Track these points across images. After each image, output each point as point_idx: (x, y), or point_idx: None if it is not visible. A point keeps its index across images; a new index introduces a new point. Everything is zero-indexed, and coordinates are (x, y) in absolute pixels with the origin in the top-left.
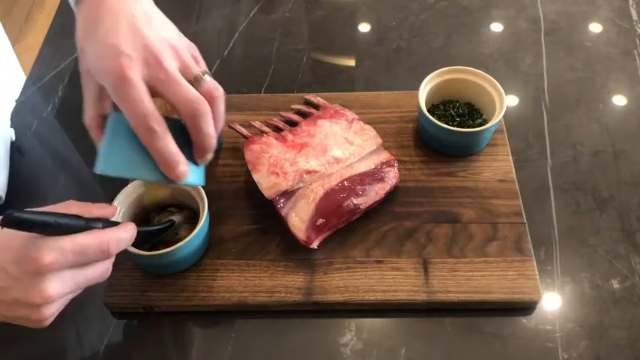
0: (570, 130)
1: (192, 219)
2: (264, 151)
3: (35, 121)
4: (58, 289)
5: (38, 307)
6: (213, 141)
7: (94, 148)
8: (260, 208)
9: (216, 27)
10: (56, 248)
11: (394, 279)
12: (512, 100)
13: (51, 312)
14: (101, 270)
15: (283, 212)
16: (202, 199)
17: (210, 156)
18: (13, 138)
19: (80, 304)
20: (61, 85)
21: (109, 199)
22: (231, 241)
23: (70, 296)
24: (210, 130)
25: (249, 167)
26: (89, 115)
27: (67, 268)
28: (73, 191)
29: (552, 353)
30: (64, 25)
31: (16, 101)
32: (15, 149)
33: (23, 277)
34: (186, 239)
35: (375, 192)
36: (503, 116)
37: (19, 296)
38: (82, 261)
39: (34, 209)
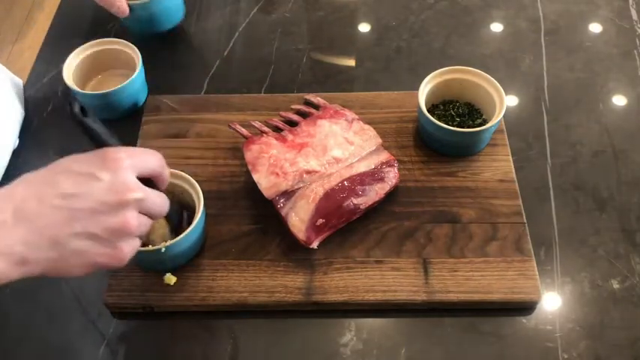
0: (570, 130)
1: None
2: (264, 151)
3: (35, 120)
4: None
5: (125, 208)
6: None
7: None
8: (260, 208)
9: (216, 27)
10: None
11: (394, 279)
12: (512, 100)
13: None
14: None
15: (283, 212)
16: (199, 197)
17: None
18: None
19: (80, 304)
20: (61, 85)
21: None
22: (231, 241)
23: (143, 229)
24: None
25: (249, 167)
26: None
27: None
28: None
29: (552, 353)
30: (64, 25)
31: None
32: (14, 149)
33: (110, 179)
34: (184, 234)
35: (375, 192)
36: (503, 116)
37: (108, 198)
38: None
39: None
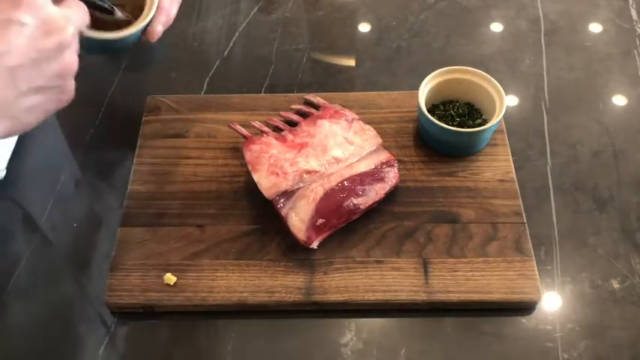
0: (570, 130)
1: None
2: (264, 151)
3: None
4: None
5: (64, 47)
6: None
7: (92, 148)
8: (260, 208)
9: (216, 27)
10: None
11: (394, 279)
12: (512, 100)
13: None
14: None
15: (283, 212)
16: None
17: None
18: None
19: (80, 304)
20: None
21: (112, 197)
22: (231, 241)
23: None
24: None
25: (249, 167)
26: None
27: None
28: (73, 190)
29: (552, 353)
30: None
31: None
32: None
33: (33, 19)
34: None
35: (375, 192)
36: (503, 116)
37: (43, 44)
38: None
39: None
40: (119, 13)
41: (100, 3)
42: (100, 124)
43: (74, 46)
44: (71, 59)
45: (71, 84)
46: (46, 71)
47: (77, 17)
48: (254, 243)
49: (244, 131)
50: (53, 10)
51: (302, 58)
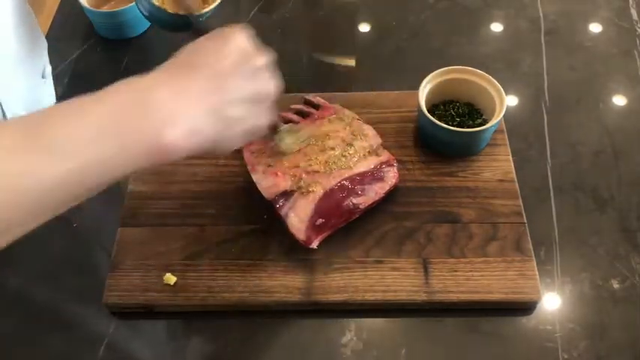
0: (570, 130)
1: None
2: (264, 151)
3: None
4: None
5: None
6: None
7: None
8: (260, 208)
9: (217, 27)
10: None
11: (394, 279)
12: (512, 100)
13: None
14: None
15: (283, 212)
16: None
17: None
18: None
19: (80, 304)
20: (60, 85)
21: (112, 197)
22: (231, 241)
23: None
24: None
25: (249, 167)
26: None
27: None
28: None
29: (552, 353)
30: (64, 25)
31: None
32: None
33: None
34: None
35: (375, 192)
36: (503, 116)
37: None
38: None
39: None
40: None
41: None
42: None
43: (268, 71)
44: (269, 81)
45: (266, 112)
46: (250, 86)
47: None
48: (254, 243)
49: None
50: (253, 45)
51: (302, 58)
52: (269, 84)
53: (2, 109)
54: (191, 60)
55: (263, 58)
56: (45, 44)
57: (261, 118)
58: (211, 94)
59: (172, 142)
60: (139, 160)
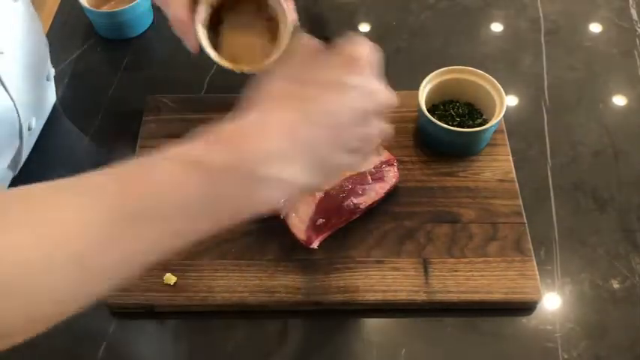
0: (570, 130)
1: None
2: None
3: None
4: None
5: (380, 113)
6: None
7: (93, 149)
8: None
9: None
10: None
11: (394, 279)
12: (512, 100)
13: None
14: None
15: (283, 212)
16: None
17: None
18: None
19: None
20: (61, 85)
21: None
22: (231, 241)
23: None
24: None
25: None
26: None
27: None
28: None
29: (552, 353)
30: (64, 25)
31: None
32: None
33: (363, 82)
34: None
35: (375, 192)
36: (503, 116)
37: (367, 105)
38: None
39: None
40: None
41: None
42: (100, 124)
43: (383, 113)
44: (382, 127)
45: (370, 151)
46: (364, 132)
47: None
48: (254, 243)
49: None
50: (377, 79)
51: None
52: (382, 128)
53: (18, 114)
54: (310, 95)
55: (388, 99)
56: (47, 47)
57: (359, 161)
58: (322, 147)
59: (267, 204)
60: (225, 222)
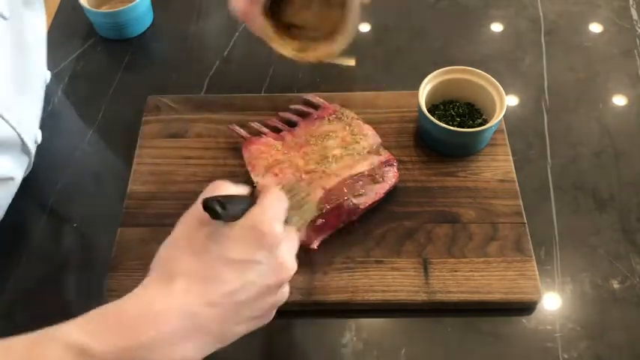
0: (570, 130)
1: None
2: (264, 152)
3: None
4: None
5: (283, 284)
6: None
7: (92, 148)
8: None
9: (216, 27)
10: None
11: (394, 279)
12: (512, 100)
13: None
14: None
15: None
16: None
17: None
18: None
19: (80, 304)
20: (61, 85)
21: (112, 197)
22: None
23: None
24: None
25: (249, 168)
26: None
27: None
28: (72, 190)
29: (552, 353)
30: (64, 25)
31: None
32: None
33: (268, 259)
34: None
35: (375, 192)
36: (504, 116)
37: (270, 281)
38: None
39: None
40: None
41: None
42: (100, 124)
43: (288, 281)
44: (286, 293)
45: (274, 311)
46: (264, 304)
47: (294, 247)
48: None
49: (243, 132)
50: (285, 249)
51: None
52: (286, 295)
53: (23, 142)
54: (215, 276)
55: (292, 269)
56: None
57: (265, 321)
58: (222, 325)
59: None
60: None
